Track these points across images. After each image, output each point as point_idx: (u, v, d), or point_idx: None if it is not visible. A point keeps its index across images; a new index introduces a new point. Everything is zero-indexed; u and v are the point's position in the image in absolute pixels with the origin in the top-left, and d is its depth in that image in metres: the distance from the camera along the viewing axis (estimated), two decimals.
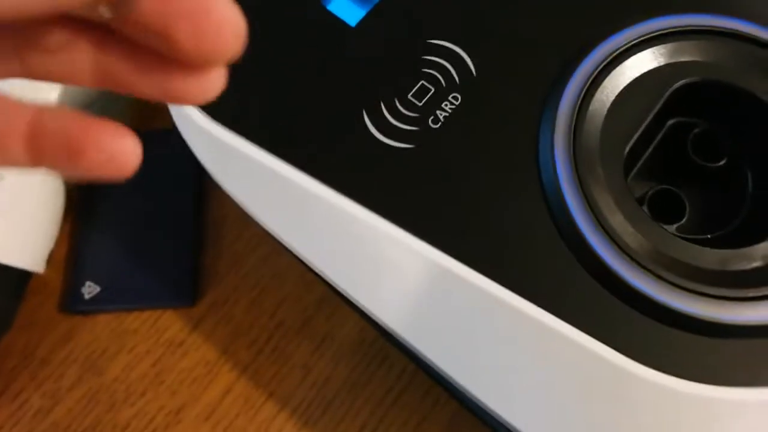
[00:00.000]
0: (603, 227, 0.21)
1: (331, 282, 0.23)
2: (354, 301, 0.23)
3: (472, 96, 0.23)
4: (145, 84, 0.13)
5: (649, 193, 0.23)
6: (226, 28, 0.12)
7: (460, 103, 0.23)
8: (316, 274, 0.24)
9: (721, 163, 0.23)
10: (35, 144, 0.13)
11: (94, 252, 0.33)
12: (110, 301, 0.32)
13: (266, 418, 0.31)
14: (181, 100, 0.13)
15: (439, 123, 0.22)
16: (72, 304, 0.32)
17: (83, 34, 0.13)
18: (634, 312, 0.20)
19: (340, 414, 0.31)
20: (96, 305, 0.32)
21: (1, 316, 0.30)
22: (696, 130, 0.24)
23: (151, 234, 0.33)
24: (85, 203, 0.34)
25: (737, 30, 0.23)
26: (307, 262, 0.23)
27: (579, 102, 0.22)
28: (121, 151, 0.12)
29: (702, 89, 0.23)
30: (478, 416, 0.29)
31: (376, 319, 0.22)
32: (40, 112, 0.13)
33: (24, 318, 0.32)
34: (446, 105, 0.23)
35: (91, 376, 0.31)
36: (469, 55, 0.23)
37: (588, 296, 0.20)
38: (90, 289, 0.32)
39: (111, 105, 0.35)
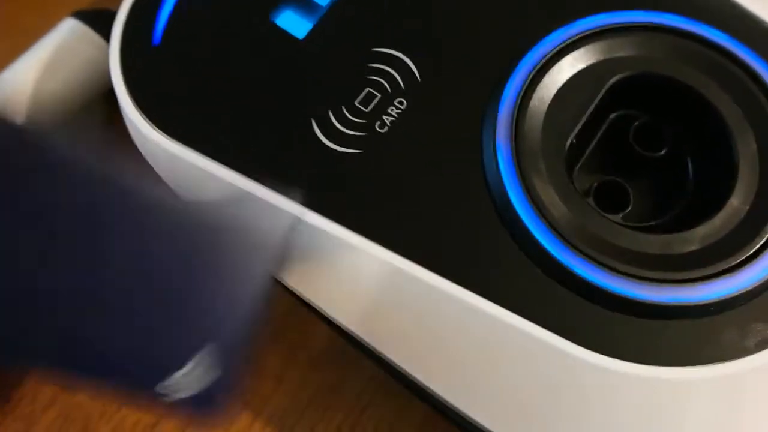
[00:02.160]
0: (546, 219, 0.21)
1: (295, 291, 0.24)
2: (313, 305, 0.23)
3: (417, 100, 0.24)
4: None
5: (595, 184, 0.24)
6: None
7: (405, 108, 0.23)
8: (282, 285, 0.24)
9: (663, 152, 0.24)
10: None
11: None
12: None
13: (242, 428, 0.31)
14: None
15: (386, 127, 0.23)
16: None
17: None
18: (579, 299, 0.21)
19: (314, 419, 0.31)
20: None
21: None
22: (637, 122, 0.25)
23: None
24: None
25: (668, 25, 0.24)
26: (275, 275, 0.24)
27: (519, 100, 0.23)
28: None
29: (639, 82, 0.24)
30: (447, 417, 0.29)
31: (334, 320, 0.23)
32: None
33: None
34: (392, 110, 0.23)
35: (66, 396, 0.32)
36: (413, 62, 0.24)
37: (533, 286, 0.21)
38: None
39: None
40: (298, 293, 0.24)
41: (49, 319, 0.13)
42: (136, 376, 0.14)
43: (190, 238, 0.15)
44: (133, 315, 0.14)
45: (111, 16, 0.34)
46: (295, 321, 0.33)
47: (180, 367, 0.14)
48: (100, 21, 0.32)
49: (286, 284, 0.24)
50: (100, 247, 0.13)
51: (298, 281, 0.23)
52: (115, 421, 0.31)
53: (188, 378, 0.14)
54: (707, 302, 0.20)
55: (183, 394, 0.13)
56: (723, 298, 0.20)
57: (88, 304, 0.13)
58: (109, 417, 0.31)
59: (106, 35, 0.32)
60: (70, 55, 0.32)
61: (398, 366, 0.22)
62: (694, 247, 0.21)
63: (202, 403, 0.14)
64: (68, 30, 0.32)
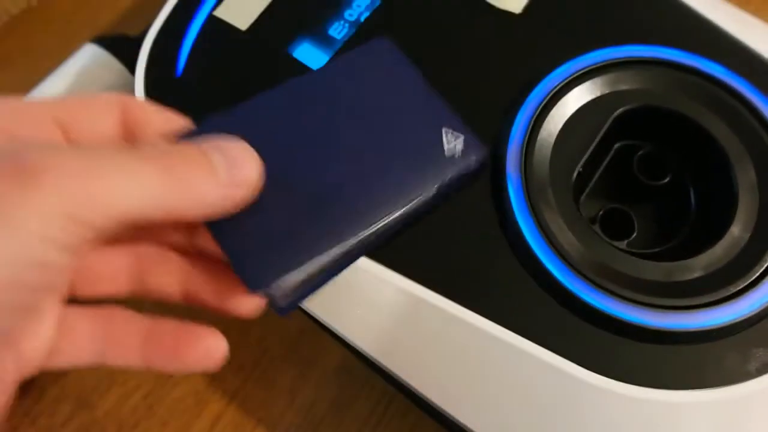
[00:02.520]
0: (555, 247, 0.22)
1: (309, 312, 0.24)
2: (330, 328, 0.24)
3: None
4: (213, 300, 0.17)
5: (601, 212, 0.25)
6: None
7: None
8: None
9: (665, 181, 0.25)
10: (147, 350, 0.16)
11: None
12: None
13: None
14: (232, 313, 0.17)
15: None
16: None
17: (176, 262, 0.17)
18: (585, 324, 0.21)
19: None
20: None
21: None
22: (640, 152, 0.26)
23: None
24: None
25: (669, 59, 0.25)
26: None
27: (528, 133, 0.24)
28: (213, 350, 0.16)
29: (642, 114, 0.25)
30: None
31: (351, 344, 0.23)
32: (153, 323, 0.16)
33: None
34: None
35: (84, 411, 0.32)
36: None
37: (543, 312, 0.22)
38: None
39: None
40: (313, 315, 0.25)
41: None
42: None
43: None
44: None
45: (130, 42, 0.35)
46: (308, 338, 0.34)
47: None
48: (120, 47, 0.34)
49: (303, 307, 0.25)
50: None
51: (315, 304, 0.24)
52: None
53: None
54: (710, 328, 0.21)
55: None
56: (725, 324, 0.21)
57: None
58: None
59: (126, 61, 0.33)
60: (91, 81, 0.33)
61: (413, 388, 0.23)
62: (696, 275, 0.22)
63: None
64: (89, 56, 0.33)
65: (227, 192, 0.15)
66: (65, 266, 0.13)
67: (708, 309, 0.21)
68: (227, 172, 0.15)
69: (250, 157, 0.15)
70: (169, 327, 0.16)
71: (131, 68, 0.33)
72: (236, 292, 0.17)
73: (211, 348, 0.16)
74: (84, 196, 0.13)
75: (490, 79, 0.25)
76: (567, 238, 0.22)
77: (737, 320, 0.21)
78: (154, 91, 0.26)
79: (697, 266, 0.22)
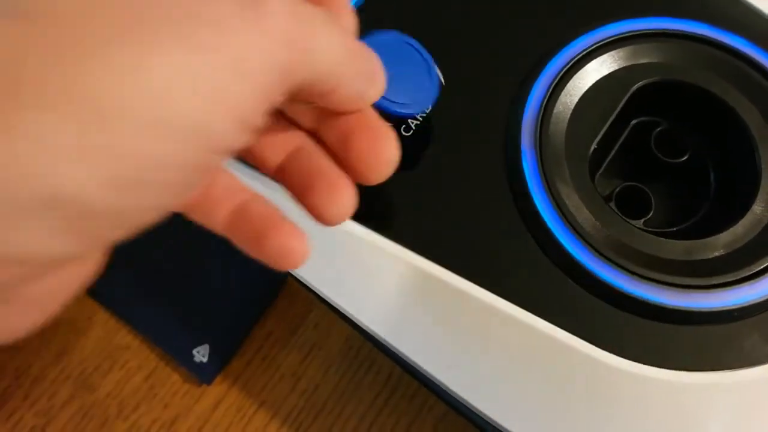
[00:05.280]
0: (570, 223, 0.21)
1: (315, 290, 0.24)
2: (337, 307, 0.23)
3: (442, 104, 0.24)
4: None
5: (617, 189, 0.24)
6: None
7: (430, 112, 0.24)
8: (301, 283, 0.24)
9: (684, 158, 0.24)
10: (235, 219, 0.16)
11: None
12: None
13: (258, 427, 0.31)
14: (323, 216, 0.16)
15: (411, 131, 0.23)
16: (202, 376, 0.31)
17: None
18: (603, 303, 0.21)
19: (330, 420, 0.31)
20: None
21: None
22: (658, 128, 0.25)
23: None
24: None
25: (690, 32, 0.24)
26: (294, 273, 0.24)
27: (544, 105, 0.23)
28: (294, 250, 0.15)
29: (661, 89, 0.24)
30: (465, 416, 0.29)
31: (358, 323, 0.23)
32: (253, 197, 0.16)
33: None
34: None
35: (84, 393, 0.32)
36: (438, 65, 0.24)
37: (558, 290, 0.21)
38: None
39: None
40: (321, 294, 0.24)
41: None
42: None
43: None
44: None
45: None
46: (312, 322, 0.33)
47: None
48: None
49: (308, 284, 0.24)
50: None
51: (322, 282, 0.24)
52: (132, 418, 0.31)
53: None
54: (731, 308, 0.20)
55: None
56: (746, 304, 0.20)
57: None
58: (126, 415, 0.31)
59: None
60: None
61: (422, 368, 0.22)
62: (716, 254, 0.22)
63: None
64: None
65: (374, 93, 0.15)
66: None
67: (729, 289, 0.21)
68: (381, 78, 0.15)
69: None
70: (266, 208, 0.16)
71: None
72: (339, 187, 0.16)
73: (286, 247, 0.15)
74: (302, 49, 0.13)
75: (505, 50, 0.25)
76: (583, 215, 0.22)
77: (758, 300, 0.21)
78: None
79: (718, 245, 0.22)
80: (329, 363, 0.32)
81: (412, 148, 0.23)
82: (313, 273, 0.23)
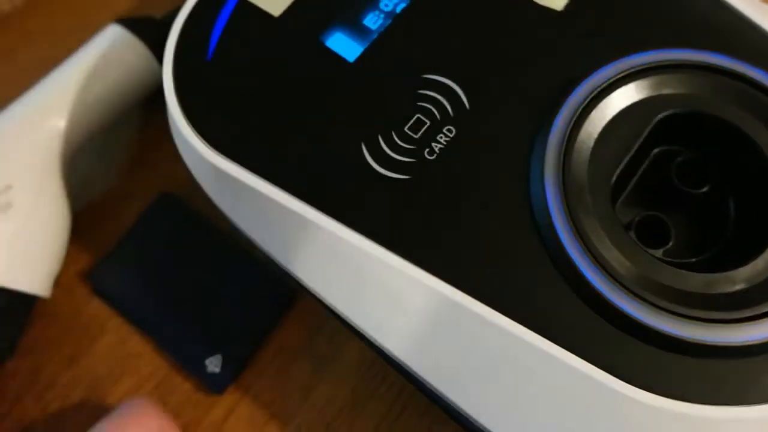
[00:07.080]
0: (592, 254, 0.21)
1: (334, 309, 0.24)
2: (355, 327, 0.24)
3: (466, 129, 0.24)
4: None
5: (636, 219, 0.24)
6: None
7: (454, 136, 0.24)
8: (317, 300, 0.24)
9: (704, 189, 0.25)
10: None
11: None
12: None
13: None
14: None
15: (435, 155, 0.23)
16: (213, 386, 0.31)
17: None
18: (623, 334, 0.21)
19: None
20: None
21: (7, 342, 0.31)
22: (680, 158, 0.25)
23: None
24: None
25: (715, 64, 0.24)
26: (309, 289, 0.24)
27: (567, 134, 0.23)
28: None
29: (685, 120, 0.24)
30: None
31: (375, 343, 0.23)
32: None
33: (29, 342, 0.33)
34: (441, 137, 0.24)
35: (95, 398, 0.32)
36: (463, 90, 0.24)
37: (579, 321, 0.21)
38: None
39: (116, 135, 0.36)
40: (336, 311, 0.24)
41: None
42: None
43: None
44: None
45: (154, 23, 0.34)
46: (325, 335, 0.33)
47: None
48: (144, 29, 0.33)
49: (324, 301, 0.24)
50: None
51: (338, 299, 0.24)
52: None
53: None
54: (752, 343, 0.20)
55: None
56: (766, 340, 0.20)
57: None
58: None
59: (150, 43, 0.33)
60: (115, 62, 0.32)
61: (438, 391, 0.22)
62: (738, 288, 0.22)
63: None
64: (112, 37, 0.32)
65: None
66: None
67: (750, 323, 0.21)
68: None
69: None
70: None
71: (154, 50, 0.33)
72: None
73: None
74: None
75: (528, 77, 0.25)
76: (604, 243, 0.22)
77: None
78: (182, 75, 0.25)
79: (738, 279, 0.22)
80: (341, 376, 0.32)
81: (434, 174, 0.23)
82: (334, 293, 0.24)
